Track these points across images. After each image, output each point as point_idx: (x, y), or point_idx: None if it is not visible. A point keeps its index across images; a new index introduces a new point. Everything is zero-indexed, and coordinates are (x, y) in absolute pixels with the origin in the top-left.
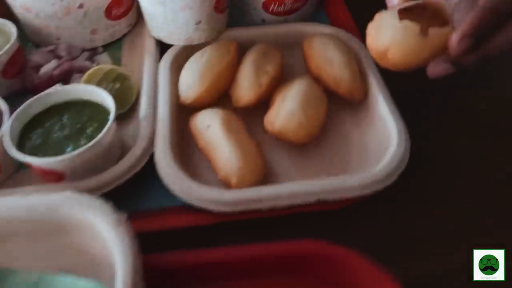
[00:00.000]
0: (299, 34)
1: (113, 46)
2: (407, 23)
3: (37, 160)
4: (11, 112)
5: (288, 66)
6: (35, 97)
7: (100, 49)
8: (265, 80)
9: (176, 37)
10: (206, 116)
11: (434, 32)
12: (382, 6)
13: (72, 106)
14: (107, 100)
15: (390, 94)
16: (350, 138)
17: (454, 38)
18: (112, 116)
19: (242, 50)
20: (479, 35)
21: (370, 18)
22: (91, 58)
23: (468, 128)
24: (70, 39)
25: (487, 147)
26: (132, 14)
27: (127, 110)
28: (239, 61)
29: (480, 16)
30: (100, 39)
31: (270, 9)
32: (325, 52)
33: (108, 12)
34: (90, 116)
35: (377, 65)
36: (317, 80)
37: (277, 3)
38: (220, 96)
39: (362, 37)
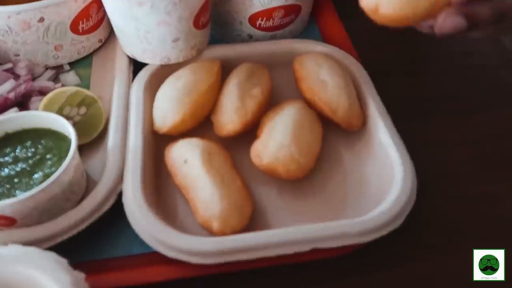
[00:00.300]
0: (289, 52)
1: (81, 64)
2: None
3: None
4: None
5: (278, 87)
6: None
7: (66, 67)
8: (251, 105)
9: (151, 55)
10: (183, 148)
11: None
12: (380, 27)
13: (28, 136)
14: (68, 130)
15: (391, 120)
16: (348, 170)
17: None
18: (72, 149)
19: (226, 69)
20: None
21: (367, 35)
22: (55, 78)
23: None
24: (31, 55)
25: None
26: (102, 28)
27: (93, 139)
28: (223, 82)
29: None
30: (65, 56)
31: (258, 24)
32: (318, 73)
33: (75, 26)
34: (48, 148)
35: (376, 88)
36: (310, 104)
37: (265, 17)
38: (200, 122)
39: (358, 55)
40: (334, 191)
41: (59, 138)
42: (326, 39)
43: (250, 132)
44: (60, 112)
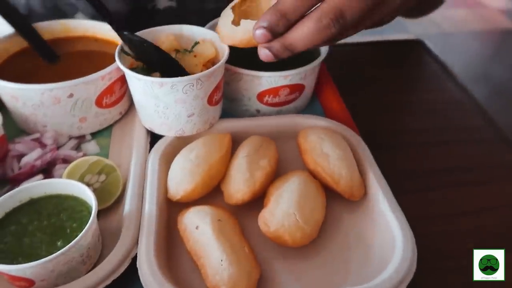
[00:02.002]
0: (294, 126)
1: (101, 134)
2: (229, 12)
3: (4, 268)
4: None
5: (284, 158)
6: (13, 191)
7: (88, 137)
8: (259, 176)
9: (167, 129)
10: (195, 215)
11: (244, 22)
12: (377, 99)
13: (52, 201)
14: (89, 197)
15: (391, 189)
16: (351, 237)
17: (253, 27)
18: (93, 215)
19: (236, 141)
20: (272, 27)
21: (365, 110)
22: (77, 146)
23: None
24: (57, 126)
25: None
26: (123, 102)
27: (110, 205)
28: (233, 154)
29: (272, 12)
30: (88, 127)
31: (265, 100)
32: (321, 146)
33: (99, 101)
34: (70, 213)
35: (375, 159)
36: (314, 174)
37: (272, 94)
38: (211, 191)
39: (358, 129)
40: (338, 257)
41: (80, 204)
42: (328, 114)
43: (258, 200)
44: (81, 179)
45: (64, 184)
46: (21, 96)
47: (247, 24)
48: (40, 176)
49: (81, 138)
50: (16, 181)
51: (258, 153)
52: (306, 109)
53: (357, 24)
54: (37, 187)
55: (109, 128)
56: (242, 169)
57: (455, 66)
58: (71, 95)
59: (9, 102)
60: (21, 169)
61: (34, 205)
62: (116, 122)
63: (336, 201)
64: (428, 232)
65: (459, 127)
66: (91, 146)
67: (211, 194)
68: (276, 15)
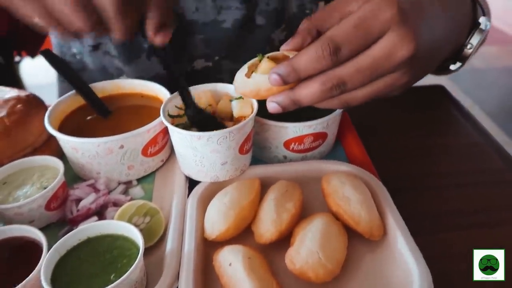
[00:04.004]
0: (318, 171)
1: (146, 180)
2: (245, 67)
3: None
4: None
5: (308, 201)
6: (73, 231)
7: (134, 182)
8: (286, 217)
9: (203, 175)
10: (228, 253)
11: (255, 76)
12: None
13: (105, 240)
14: (137, 236)
15: (409, 231)
16: (370, 275)
17: (271, 71)
18: (140, 253)
19: (265, 185)
20: (284, 77)
21: (386, 154)
22: (125, 191)
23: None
24: (109, 173)
25: None
26: (165, 151)
27: (155, 243)
28: (262, 197)
29: (287, 64)
30: (135, 174)
31: (291, 147)
32: (342, 190)
33: (145, 151)
34: (121, 251)
35: (394, 202)
36: (336, 216)
37: (297, 142)
38: (242, 231)
39: (378, 172)
40: None
41: (130, 243)
42: (350, 159)
43: (285, 240)
44: (130, 220)
45: (116, 225)
46: (81, 148)
47: (256, 78)
48: (95, 217)
49: (128, 184)
50: (74, 222)
51: (284, 196)
52: (330, 154)
53: (361, 94)
54: (93, 227)
55: (152, 174)
56: (270, 211)
57: (487, 103)
58: (121, 146)
59: (69, 152)
60: (78, 212)
61: (90, 243)
62: (158, 168)
63: (357, 240)
64: (447, 270)
65: (479, 170)
66: (137, 190)
67: (243, 234)
68: (290, 68)
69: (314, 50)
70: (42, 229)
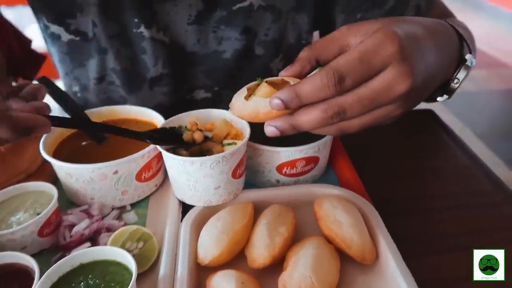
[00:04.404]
0: (310, 195)
1: (139, 205)
2: (244, 89)
3: None
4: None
5: (301, 224)
6: (66, 257)
7: (128, 207)
8: (278, 241)
9: (197, 199)
10: (221, 278)
11: (255, 98)
12: (388, 167)
13: (98, 266)
14: (130, 262)
15: (400, 254)
16: None
17: (273, 95)
18: (133, 279)
19: (258, 209)
20: (286, 102)
21: (376, 179)
22: (119, 216)
23: None
24: (103, 198)
25: None
26: (159, 176)
27: (148, 268)
28: (255, 221)
29: (290, 90)
30: (129, 199)
31: (284, 172)
32: (334, 214)
33: (139, 176)
34: (113, 277)
35: (386, 225)
36: (328, 240)
37: (290, 166)
38: (235, 256)
39: (370, 196)
40: None
41: (123, 268)
42: (342, 182)
43: (278, 264)
44: (123, 246)
45: (109, 251)
46: (75, 173)
47: (256, 101)
48: (88, 243)
49: (122, 209)
50: (67, 248)
51: (277, 220)
52: (322, 178)
53: (357, 122)
54: (86, 254)
55: (146, 199)
56: (263, 235)
57: (478, 125)
58: (116, 172)
59: (63, 178)
60: (72, 238)
61: (83, 270)
62: (152, 193)
63: (349, 264)
64: None
65: (469, 192)
66: (130, 215)
67: (236, 258)
68: (293, 95)
69: (319, 79)
70: (34, 255)
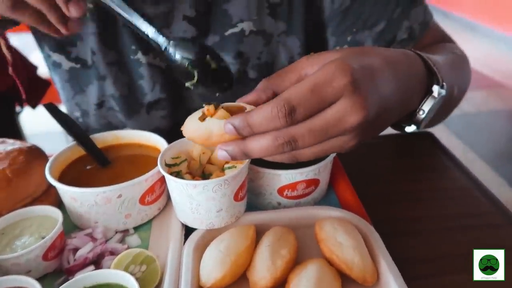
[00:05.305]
0: (311, 217)
1: (142, 228)
2: (198, 112)
3: None
4: None
5: (302, 246)
6: (69, 281)
7: (131, 231)
8: (280, 264)
9: (199, 223)
10: None
11: (209, 120)
12: (388, 188)
13: None
14: (134, 285)
15: (402, 275)
16: None
17: (226, 121)
18: None
19: (260, 231)
20: (237, 129)
21: (377, 200)
22: (122, 239)
23: None
24: (106, 222)
25: None
26: (162, 199)
27: None
28: (257, 243)
29: (242, 119)
30: (132, 222)
31: (285, 194)
32: (335, 236)
33: (142, 199)
34: None
35: (387, 246)
36: (330, 261)
37: (291, 188)
38: (238, 278)
39: (371, 217)
40: None
41: None
42: (342, 204)
43: (279, 286)
44: (126, 269)
45: (113, 274)
46: (79, 197)
47: (210, 122)
48: (92, 267)
49: (125, 232)
50: (71, 272)
51: (279, 243)
52: (323, 200)
53: (310, 152)
54: (89, 277)
55: (149, 222)
56: (265, 258)
57: (479, 145)
58: (120, 196)
59: (68, 202)
60: (75, 261)
61: None
62: (155, 216)
63: (351, 286)
64: None
65: (468, 214)
66: (133, 239)
67: (238, 281)
68: (244, 123)
69: (269, 110)
70: (38, 279)
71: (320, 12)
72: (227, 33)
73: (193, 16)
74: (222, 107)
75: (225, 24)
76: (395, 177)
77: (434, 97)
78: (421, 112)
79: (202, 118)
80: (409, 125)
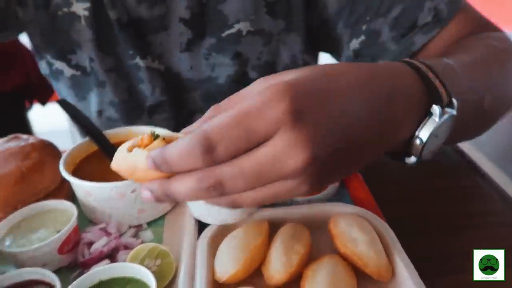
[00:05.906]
0: (325, 214)
1: (156, 223)
2: (138, 140)
3: None
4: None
5: (316, 243)
6: (85, 274)
7: (145, 226)
8: (295, 259)
9: (212, 218)
10: None
11: (137, 150)
12: (400, 187)
13: (117, 283)
14: (149, 278)
15: (417, 270)
16: None
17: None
18: None
19: (273, 228)
20: (157, 165)
21: (389, 196)
22: (136, 234)
23: None
24: (120, 217)
25: None
26: None
27: (165, 286)
28: (271, 239)
29: (159, 153)
30: (145, 217)
31: None
32: (349, 232)
33: None
34: None
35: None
36: (344, 258)
37: None
38: (252, 274)
39: (384, 215)
40: None
41: (142, 285)
42: (355, 202)
43: (294, 281)
44: (142, 263)
45: (129, 268)
46: (94, 192)
47: (137, 153)
48: (107, 261)
49: (138, 227)
50: (86, 265)
51: (293, 238)
52: (335, 197)
53: (250, 197)
54: (105, 271)
55: (162, 217)
56: (280, 253)
57: (486, 145)
58: (133, 191)
59: (82, 196)
60: (91, 255)
61: (102, 286)
62: (168, 212)
63: (366, 282)
64: None
65: (481, 212)
66: (147, 233)
67: (253, 276)
68: (162, 159)
69: (186, 145)
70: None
71: (322, 7)
72: (224, 35)
73: (188, 18)
74: (164, 138)
75: (221, 25)
76: (407, 175)
77: (434, 120)
78: (417, 141)
79: (131, 148)
80: (409, 155)
